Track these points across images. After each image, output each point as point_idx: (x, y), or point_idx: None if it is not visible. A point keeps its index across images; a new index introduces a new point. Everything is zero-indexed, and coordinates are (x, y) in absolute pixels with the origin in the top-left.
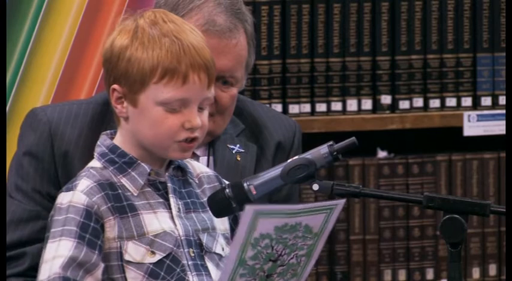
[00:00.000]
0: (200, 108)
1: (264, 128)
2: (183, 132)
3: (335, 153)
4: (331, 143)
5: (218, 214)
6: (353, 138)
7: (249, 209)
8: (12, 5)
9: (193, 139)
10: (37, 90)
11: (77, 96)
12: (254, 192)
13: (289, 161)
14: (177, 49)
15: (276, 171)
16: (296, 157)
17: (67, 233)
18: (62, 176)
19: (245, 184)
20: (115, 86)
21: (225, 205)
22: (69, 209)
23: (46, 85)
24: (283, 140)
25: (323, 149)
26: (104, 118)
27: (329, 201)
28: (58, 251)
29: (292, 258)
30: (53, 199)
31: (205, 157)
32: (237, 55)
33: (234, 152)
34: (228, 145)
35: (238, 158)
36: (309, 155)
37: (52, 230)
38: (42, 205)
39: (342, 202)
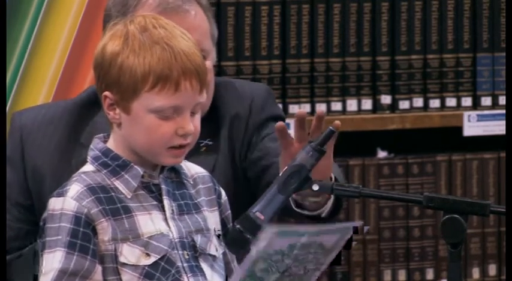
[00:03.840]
0: (192, 113)
1: (219, 109)
2: (176, 139)
3: (318, 147)
4: (310, 140)
5: (237, 250)
6: (329, 128)
7: (268, 230)
8: (12, 5)
9: (186, 145)
10: (37, 90)
11: (76, 95)
12: (262, 217)
13: (280, 174)
14: (168, 56)
15: (272, 189)
16: (285, 168)
17: (60, 243)
18: (33, 189)
19: (250, 214)
20: (107, 93)
21: (240, 240)
22: (61, 217)
23: (46, 85)
24: (239, 111)
25: (306, 148)
26: (81, 122)
27: (348, 223)
28: (53, 263)
29: (300, 270)
30: (23, 208)
31: None
32: (198, 27)
33: (201, 145)
34: (198, 141)
35: (203, 149)
36: (295, 161)
37: (47, 238)
38: (21, 219)
39: (359, 224)
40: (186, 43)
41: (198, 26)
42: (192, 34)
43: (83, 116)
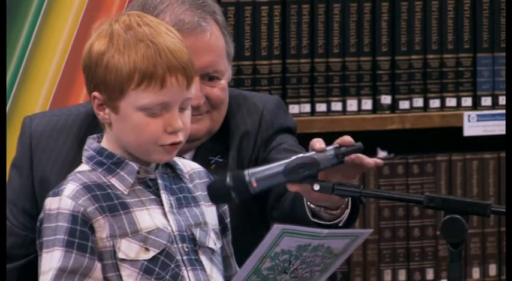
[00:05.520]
0: (182, 109)
1: (230, 126)
2: (167, 137)
3: (341, 156)
4: (337, 145)
5: (215, 200)
6: (360, 144)
7: (276, 227)
8: (12, 5)
9: (178, 142)
10: (37, 91)
11: (76, 96)
12: (255, 185)
13: (293, 158)
14: (152, 53)
15: (279, 167)
16: (301, 155)
17: (58, 242)
18: (39, 197)
19: (247, 176)
20: (95, 93)
21: (224, 193)
22: (58, 216)
23: (46, 85)
24: (249, 128)
25: (329, 150)
26: (92, 132)
27: (358, 229)
28: (51, 263)
29: (306, 272)
30: (30, 216)
31: None
32: (214, 48)
33: (211, 162)
34: (209, 157)
35: (213, 167)
36: (315, 154)
37: (45, 238)
38: (27, 227)
39: (369, 231)
40: (171, 40)
41: (213, 45)
42: (207, 55)
43: (94, 125)
